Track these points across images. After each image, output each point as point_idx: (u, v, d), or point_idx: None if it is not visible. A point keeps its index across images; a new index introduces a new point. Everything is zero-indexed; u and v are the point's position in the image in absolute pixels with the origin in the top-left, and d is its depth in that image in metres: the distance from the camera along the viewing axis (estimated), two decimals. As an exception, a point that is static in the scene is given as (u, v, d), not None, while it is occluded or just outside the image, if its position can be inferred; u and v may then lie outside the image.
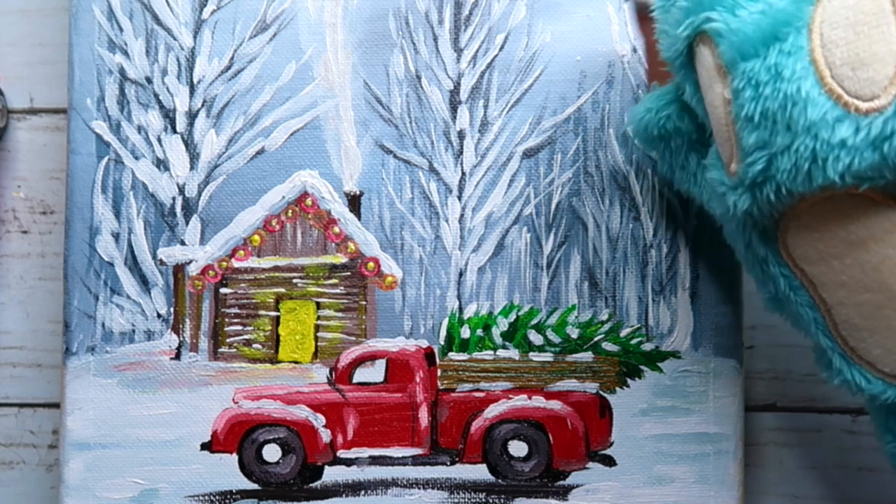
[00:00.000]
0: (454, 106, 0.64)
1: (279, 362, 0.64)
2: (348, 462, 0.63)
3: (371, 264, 0.64)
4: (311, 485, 0.63)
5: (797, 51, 0.45)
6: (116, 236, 0.64)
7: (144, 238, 0.64)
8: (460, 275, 0.64)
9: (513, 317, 0.63)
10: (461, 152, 0.64)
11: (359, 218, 0.64)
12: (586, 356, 0.63)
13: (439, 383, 0.64)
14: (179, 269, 0.64)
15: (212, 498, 0.63)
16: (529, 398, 0.63)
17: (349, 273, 0.64)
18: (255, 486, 0.63)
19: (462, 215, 0.64)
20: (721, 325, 0.63)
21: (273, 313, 0.64)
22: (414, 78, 0.64)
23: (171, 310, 0.64)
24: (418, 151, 0.64)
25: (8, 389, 0.69)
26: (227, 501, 0.63)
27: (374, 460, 0.63)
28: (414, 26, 0.64)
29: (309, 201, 0.64)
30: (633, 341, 0.63)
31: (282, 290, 0.65)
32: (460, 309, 0.64)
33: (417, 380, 0.63)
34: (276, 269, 0.65)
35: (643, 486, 0.62)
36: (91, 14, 0.64)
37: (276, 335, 0.64)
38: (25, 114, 0.69)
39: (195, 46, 0.64)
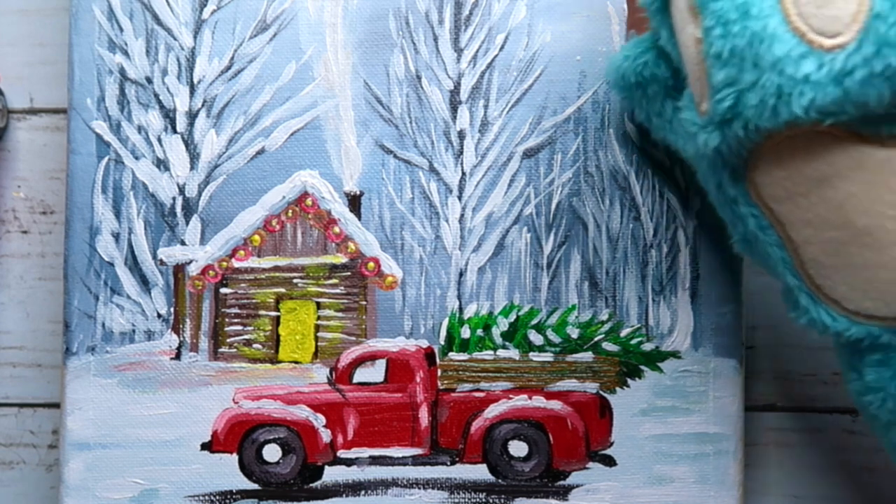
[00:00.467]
0: (454, 106, 0.64)
1: (279, 362, 0.64)
2: (348, 462, 0.63)
3: (371, 264, 0.64)
4: (311, 485, 0.63)
5: None
6: (116, 236, 0.64)
7: (144, 238, 0.64)
8: (460, 275, 0.64)
9: (513, 317, 0.63)
10: (461, 152, 0.64)
11: (359, 218, 0.64)
12: (586, 356, 0.63)
13: (439, 383, 0.64)
14: (179, 269, 0.65)
15: (212, 498, 0.63)
16: (529, 398, 0.63)
17: (349, 273, 0.64)
18: (256, 486, 0.63)
19: (462, 215, 0.64)
20: (721, 325, 0.63)
21: (273, 313, 0.64)
22: (414, 78, 0.64)
23: (172, 310, 0.64)
24: (418, 151, 0.64)
25: (8, 389, 0.69)
26: (227, 501, 0.63)
27: (375, 460, 0.63)
28: (414, 26, 0.64)
29: (309, 201, 0.64)
30: (634, 341, 0.63)
31: (282, 290, 0.65)
32: (460, 309, 0.64)
33: (417, 380, 0.63)
34: (276, 269, 0.65)
35: (643, 486, 0.62)
36: (91, 14, 0.64)
37: (276, 335, 0.64)
38: (25, 114, 0.69)
39: (195, 46, 0.64)
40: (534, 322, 0.63)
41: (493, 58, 0.64)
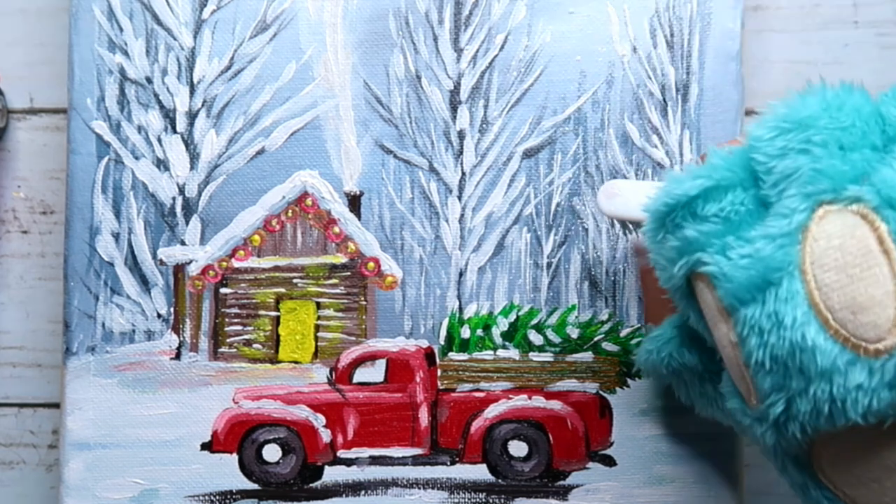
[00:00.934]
0: (454, 106, 0.64)
1: (279, 362, 0.64)
2: (348, 462, 0.63)
3: (371, 264, 0.64)
4: (311, 485, 0.63)
5: (794, 296, 0.44)
6: (116, 236, 0.64)
7: (144, 238, 0.64)
8: (460, 275, 0.64)
9: (513, 317, 0.63)
10: (461, 152, 0.64)
11: (359, 218, 0.64)
12: (586, 356, 0.63)
13: (439, 383, 0.64)
14: (179, 269, 0.65)
15: (212, 498, 0.63)
16: (529, 398, 0.63)
17: (349, 273, 0.64)
18: (256, 486, 0.63)
19: (462, 215, 0.64)
20: (721, 325, 0.63)
21: (273, 313, 0.64)
22: (414, 78, 0.64)
23: (172, 310, 0.64)
24: (418, 151, 0.64)
25: (8, 389, 0.69)
26: (227, 501, 0.63)
27: (375, 460, 0.63)
28: (414, 26, 0.64)
29: (309, 201, 0.64)
30: (633, 341, 0.63)
31: (282, 290, 0.65)
32: (460, 309, 0.64)
33: (417, 380, 0.63)
34: (276, 269, 0.65)
35: (643, 486, 0.62)
36: (91, 14, 0.64)
37: (276, 335, 0.64)
38: (25, 114, 0.69)
39: (195, 46, 0.65)
40: (534, 322, 0.63)
41: (493, 58, 0.64)
